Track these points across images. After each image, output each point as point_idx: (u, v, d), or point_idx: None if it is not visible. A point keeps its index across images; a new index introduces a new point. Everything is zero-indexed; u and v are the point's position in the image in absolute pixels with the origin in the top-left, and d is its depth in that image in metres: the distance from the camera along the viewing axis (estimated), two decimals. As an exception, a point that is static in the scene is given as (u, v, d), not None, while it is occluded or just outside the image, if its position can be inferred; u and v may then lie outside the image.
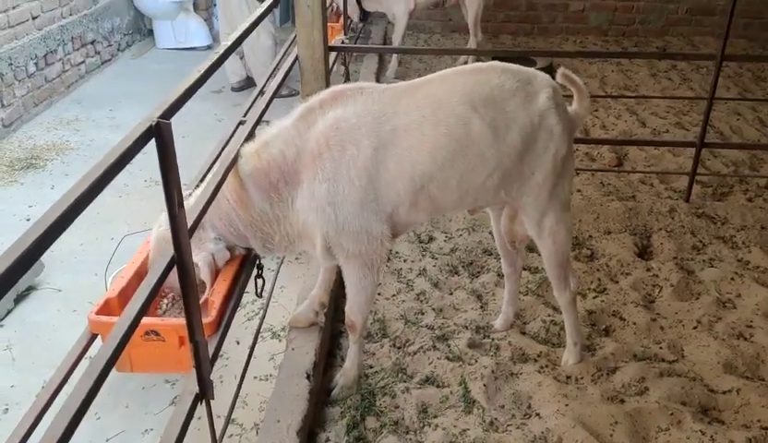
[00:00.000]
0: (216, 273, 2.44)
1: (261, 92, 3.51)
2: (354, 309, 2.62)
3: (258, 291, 2.73)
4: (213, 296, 2.34)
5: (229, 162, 2.25)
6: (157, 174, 1.56)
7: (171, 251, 1.65)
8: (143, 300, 1.53)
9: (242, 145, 2.39)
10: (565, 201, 2.64)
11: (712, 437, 2.61)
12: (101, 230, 4.42)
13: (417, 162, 2.29)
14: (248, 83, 7.15)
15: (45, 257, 4.03)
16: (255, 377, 3.21)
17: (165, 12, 8.52)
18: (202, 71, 1.89)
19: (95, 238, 4.36)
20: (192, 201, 2.06)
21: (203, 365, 1.87)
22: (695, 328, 3.34)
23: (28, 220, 4.61)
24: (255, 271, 2.69)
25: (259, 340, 3.49)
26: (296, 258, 4.13)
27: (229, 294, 2.39)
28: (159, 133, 1.53)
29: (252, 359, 3.32)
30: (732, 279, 3.70)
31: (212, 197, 2.03)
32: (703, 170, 5.03)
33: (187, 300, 1.75)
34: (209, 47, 8.76)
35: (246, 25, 2.52)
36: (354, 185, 2.26)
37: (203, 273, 2.37)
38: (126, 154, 1.40)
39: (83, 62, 7.43)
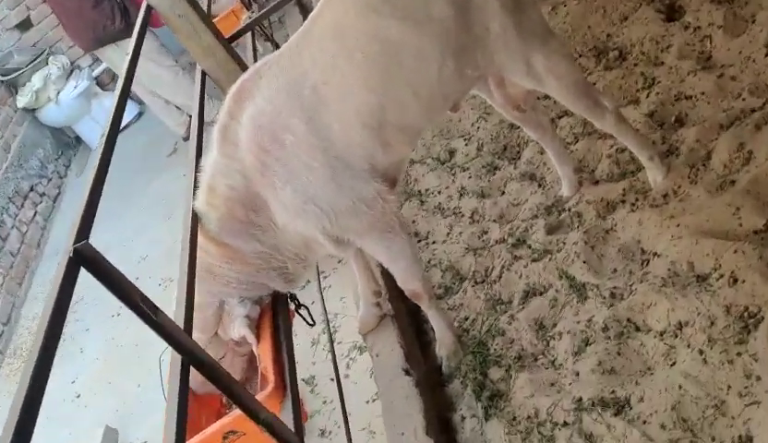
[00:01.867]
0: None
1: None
2: (404, 279, 2.66)
3: (309, 320, 2.81)
4: (263, 362, 2.42)
5: (190, 231, 2.30)
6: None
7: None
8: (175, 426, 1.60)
9: (193, 203, 2.43)
10: (542, 30, 2.55)
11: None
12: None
13: (358, 105, 2.26)
14: None
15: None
16: (366, 402, 3.31)
17: (76, 110, 8.66)
18: (96, 166, 1.94)
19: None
20: (177, 292, 2.12)
21: (286, 436, 1.95)
22: (768, 54, 3.18)
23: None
24: (292, 305, 2.76)
25: (350, 362, 3.59)
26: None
27: (276, 348, 2.47)
28: (83, 260, 1.58)
29: (354, 384, 3.42)
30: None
31: (191, 278, 2.08)
32: None
33: (227, 388, 1.82)
34: (140, 114, 8.88)
35: (123, 72, 2.54)
36: (315, 168, 2.26)
37: (249, 338, 2.49)
38: (60, 300, 1.45)
39: (35, 213, 7.70)
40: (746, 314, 2.31)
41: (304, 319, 2.80)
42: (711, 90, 3.22)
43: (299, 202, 2.30)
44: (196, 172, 2.54)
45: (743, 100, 3.08)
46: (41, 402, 1.28)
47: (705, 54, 3.45)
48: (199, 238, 2.35)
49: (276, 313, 2.66)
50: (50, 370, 1.33)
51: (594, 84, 3.66)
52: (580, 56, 3.95)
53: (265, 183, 2.30)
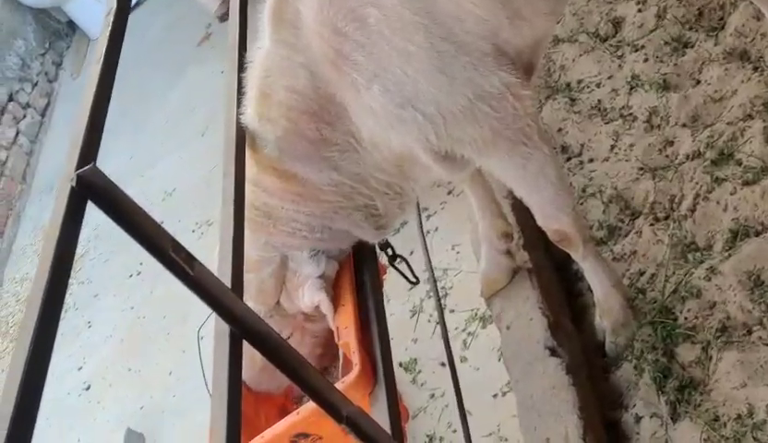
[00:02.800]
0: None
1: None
2: (546, 214, 2.66)
3: (410, 276, 2.86)
4: (343, 338, 2.48)
5: (235, 153, 2.35)
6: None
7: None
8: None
9: (238, 114, 2.47)
10: None
11: None
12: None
13: None
14: None
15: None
16: (493, 396, 3.34)
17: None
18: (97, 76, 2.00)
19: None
20: (220, 239, 2.18)
21: (380, 441, 2.00)
22: None
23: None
24: (383, 258, 2.81)
25: (468, 338, 3.63)
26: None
27: (362, 319, 2.52)
28: (90, 191, 1.63)
29: (474, 371, 3.47)
30: None
31: (239, 219, 2.13)
32: None
33: (295, 373, 1.88)
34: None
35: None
36: (413, 55, 2.27)
37: (324, 306, 2.55)
38: (61, 249, 1.52)
39: (17, 133, 8.01)
40: None
41: (403, 276, 2.84)
42: None
43: (392, 106, 2.31)
44: (240, 68, 2.58)
45: None
46: (39, 399, 1.35)
47: None
48: (250, 168, 2.41)
49: (360, 269, 2.71)
50: (51, 353, 1.40)
51: None
52: None
53: (342, 81, 2.32)
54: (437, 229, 4.14)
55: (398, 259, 2.83)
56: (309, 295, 2.60)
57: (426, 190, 2.77)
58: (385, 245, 2.81)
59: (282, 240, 2.57)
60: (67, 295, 1.54)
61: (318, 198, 2.51)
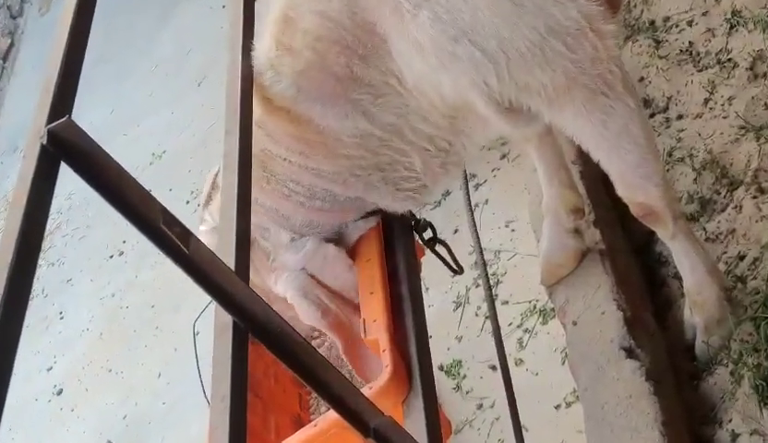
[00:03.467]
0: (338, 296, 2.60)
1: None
2: (630, 183, 2.65)
3: (452, 264, 2.86)
4: (371, 334, 2.49)
5: (240, 103, 2.35)
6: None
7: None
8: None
9: (249, 48, 2.48)
10: None
11: None
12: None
13: None
14: None
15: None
16: (555, 407, 3.35)
17: None
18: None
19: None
20: (221, 209, 2.19)
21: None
22: None
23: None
24: (421, 238, 2.80)
25: (524, 336, 3.63)
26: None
27: (395, 309, 2.53)
28: (63, 149, 1.63)
29: (532, 376, 3.48)
30: None
31: (246, 185, 2.14)
32: None
33: (312, 374, 1.89)
34: None
35: None
36: None
37: (304, 314, 2.55)
38: (29, 219, 1.53)
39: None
40: None
41: (445, 263, 2.84)
42: None
43: (444, 39, 2.32)
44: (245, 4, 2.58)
45: None
46: (1, 405, 1.35)
47: None
48: (255, 107, 2.41)
49: (392, 248, 2.71)
50: (15, 349, 1.41)
51: None
52: None
53: (384, 5, 2.33)
54: (487, 202, 4.15)
55: (438, 243, 2.82)
56: (284, 290, 2.60)
57: (478, 149, 2.74)
58: (423, 226, 2.80)
59: (272, 201, 2.57)
60: (35, 279, 1.54)
61: (335, 152, 2.51)
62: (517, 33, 2.32)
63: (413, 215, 2.78)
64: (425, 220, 2.81)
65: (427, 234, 2.82)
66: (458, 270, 2.89)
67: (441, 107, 2.47)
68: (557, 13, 2.33)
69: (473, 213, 3.29)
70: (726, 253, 3.10)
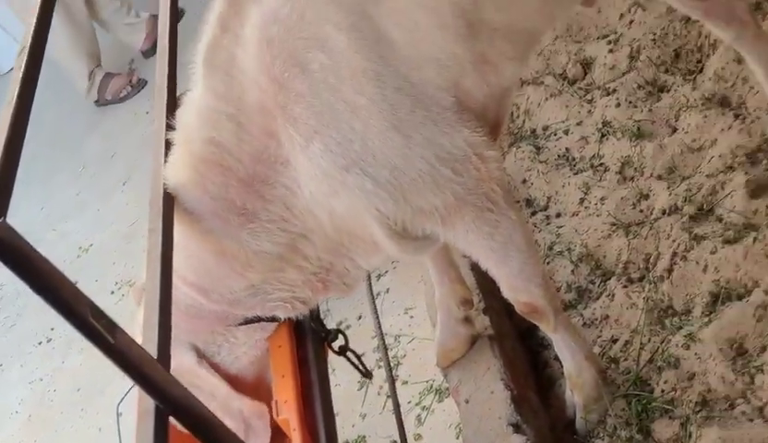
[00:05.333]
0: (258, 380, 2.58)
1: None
2: (515, 286, 2.66)
3: (361, 367, 2.87)
4: (282, 413, 2.48)
5: (162, 205, 2.33)
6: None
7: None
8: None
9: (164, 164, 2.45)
10: None
11: None
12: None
13: None
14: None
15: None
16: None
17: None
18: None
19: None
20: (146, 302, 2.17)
21: None
22: None
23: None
24: (331, 348, 2.79)
25: (422, 414, 3.64)
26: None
27: (305, 392, 2.53)
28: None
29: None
30: None
31: (166, 279, 2.13)
32: None
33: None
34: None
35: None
36: (363, 108, 2.25)
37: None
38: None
39: None
40: None
41: (355, 367, 2.84)
42: None
43: (336, 169, 2.29)
44: (168, 110, 2.56)
45: None
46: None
47: None
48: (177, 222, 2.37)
49: (303, 336, 2.71)
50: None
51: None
52: None
53: (275, 137, 2.30)
54: (388, 291, 4.15)
55: (348, 351, 2.81)
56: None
57: (363, 273, 2.71)
58: (334, 336, 2.79)
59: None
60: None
61: (246, 272, 2.45)
62: (408, 163, 2.31)
63: (323, 326, 2.78)
64: (336, 329, 2.80)
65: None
66: (367, 375, 2.87)
67: (329, 231, 2.43)
68: (445, 143, 2.32)
69: (375, 302, 3.30)
70: (600, 337, 3.14)
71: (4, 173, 1.83)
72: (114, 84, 7.36)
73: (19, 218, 6.92)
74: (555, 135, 3.94)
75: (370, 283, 3.34)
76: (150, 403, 1.67)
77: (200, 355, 2.58)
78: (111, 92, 7.33)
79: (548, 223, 3.63)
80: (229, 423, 2.40)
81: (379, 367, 3.81)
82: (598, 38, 4.15)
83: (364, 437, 3.73)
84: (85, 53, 7.24)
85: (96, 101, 7.50)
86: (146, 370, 1.61)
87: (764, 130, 3.27)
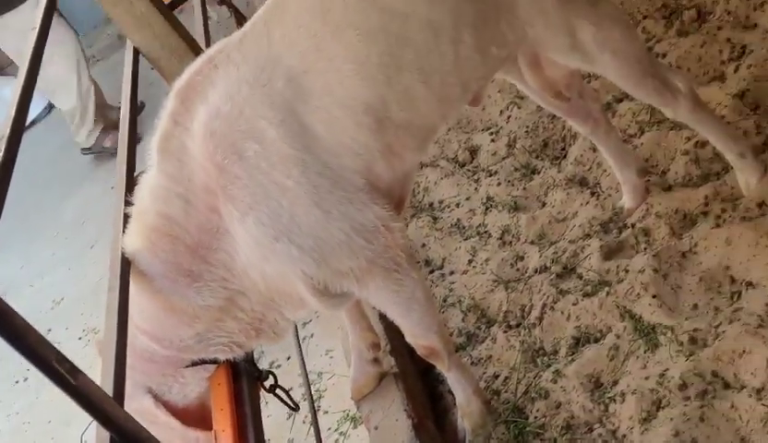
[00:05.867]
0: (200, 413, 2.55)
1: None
2: (415, 334, 2.69)
3: (289, 401, 2.79)
4: (222, 440, 2.44)
5: (120, 267, 2.31)
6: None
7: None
8: None
9: (122, 235, 2.42)
10: None
11: None
12: None
13: (350, 99, 2.30)
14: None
15: None
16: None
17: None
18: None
19: None
20: (104, 349, 2.14)
21: None
22: None
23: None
24: (263, 387, 2.72)
25: (340, 438, 3.62)
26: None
27: (240, 423, 2.49)
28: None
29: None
30: None
31: (122, 329, 2.10)
32: None
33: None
34: (51, 107, 8.84)
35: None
36: (290, 189, 2.27)
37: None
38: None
39: None
40: None
41: (284, 402, 2.79)
42: (821, 62, 3.27)
43: (265, 239, 2.29)
44: (127, 189, 2.55)
45: None
46: None
47: (812, 13, 3.51)
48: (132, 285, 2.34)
49: (238, 375, 2.68)
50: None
51: (664, 57, 3.71)
52: (644, 18, 4.02)
53: (216, 213, 2.30)
54: (312, 335, 4.14)
55: (277, 388, 2.74)
56: None
57: (291, 324, 2.70)
58: (266, 375, 2.73)
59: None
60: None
61: (191, 324, 2.41)
62: (328, 233, 2.32)
63: (256, 367, 2.73)
64: (267, 371, 2.75)
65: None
66: (294, 408, 2.83)
67: (262, 289, 2.41)
68: (358, 217, 2.34)
69: (300, 345, 3.30)
70: (485, 373, 3.17)
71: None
72: (114, 135, 6.91)
73: (2, 275, 6.82)
74: (448, 207, 4.00)
75: (296, 329, 3.35)
76: (105, 435, 1.65)
77: (155, 397, 2.53)
78: (111, 141, 7.00)
79: (443, 280, 3.66)
80: None
81: (304, 400, 3.79)
82: (483, 129, 4.24)
83: (291, 459, 3.70)
84: (93, 102, 7.05)
85: (88, 149, 7.29)
86: (103, 407, 1.59)
87: (614, 205, 3.35)
